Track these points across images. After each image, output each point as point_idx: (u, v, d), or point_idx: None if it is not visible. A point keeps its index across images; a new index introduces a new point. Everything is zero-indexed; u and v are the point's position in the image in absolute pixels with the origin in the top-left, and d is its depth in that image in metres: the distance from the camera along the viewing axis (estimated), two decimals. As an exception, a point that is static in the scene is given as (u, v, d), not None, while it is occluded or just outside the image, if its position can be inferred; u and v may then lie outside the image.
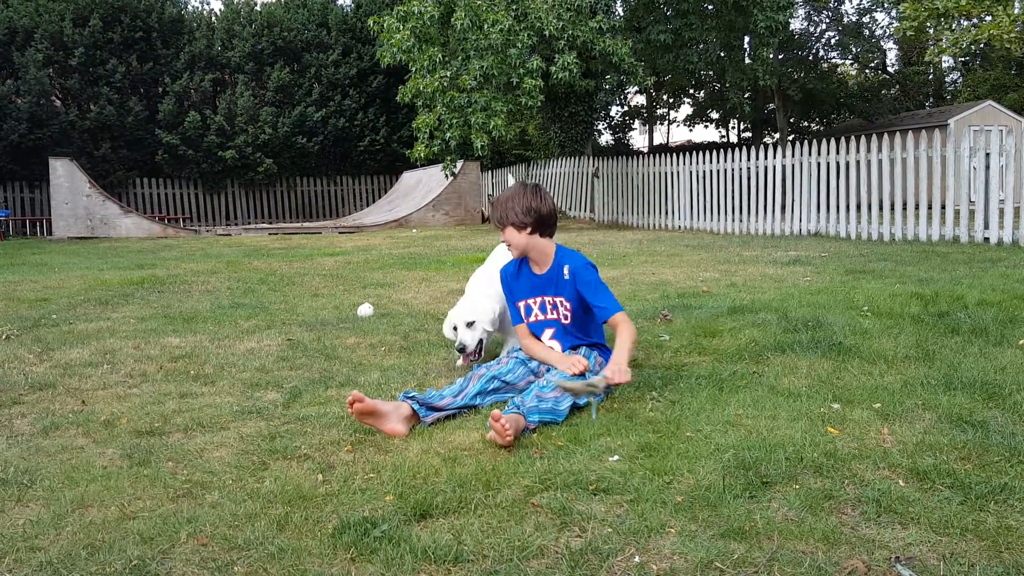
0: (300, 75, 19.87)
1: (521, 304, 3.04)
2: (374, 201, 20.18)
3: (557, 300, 2.98)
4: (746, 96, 18.20)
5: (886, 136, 9.53)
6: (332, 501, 1.93)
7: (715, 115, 32.93)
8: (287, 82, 19.49)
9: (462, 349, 3.17)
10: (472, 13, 11.13)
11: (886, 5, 23.79)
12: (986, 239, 8.36)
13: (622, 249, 8.77)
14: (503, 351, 3.36)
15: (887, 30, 28.84)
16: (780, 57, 23.27)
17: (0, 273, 7.74)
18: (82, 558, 1.67)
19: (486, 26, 11.14)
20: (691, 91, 31.75)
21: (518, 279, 3.06)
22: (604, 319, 2.91)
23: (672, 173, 12.45)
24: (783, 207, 10.70)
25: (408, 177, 18.37)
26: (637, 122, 36.02)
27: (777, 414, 2.46)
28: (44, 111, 17.20)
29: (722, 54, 16.73)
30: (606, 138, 33.89)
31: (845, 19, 26.94)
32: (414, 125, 12.58)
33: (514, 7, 11.56)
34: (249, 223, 19.30)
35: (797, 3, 23.54)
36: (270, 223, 19.12)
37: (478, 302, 3.26)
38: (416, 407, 2.53)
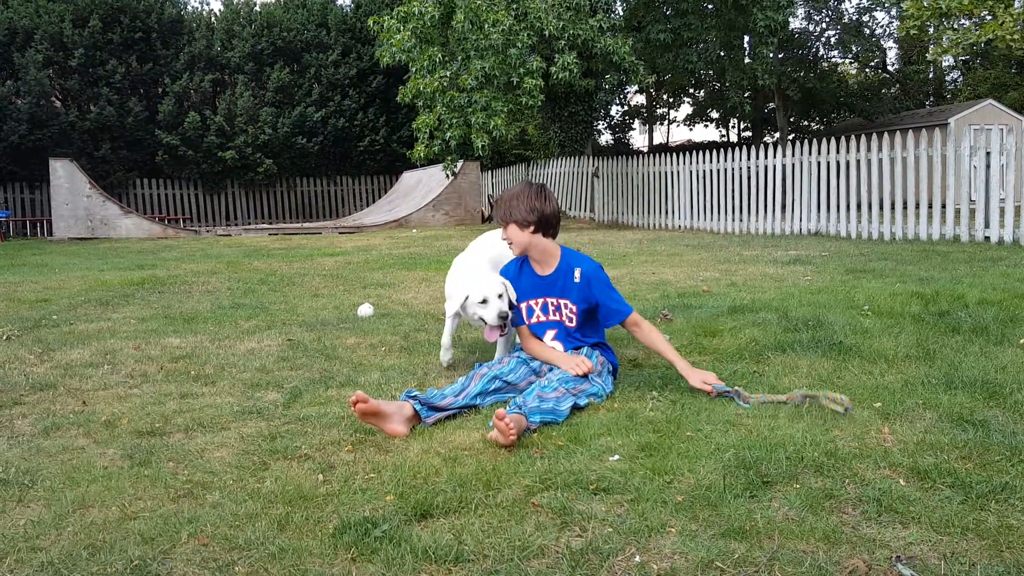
0: (300, 75, 19.87)
1: (523, 305, 3.03)
2: (374, 201, 20.18)
3: (561, 302, 2.97)
4: (746, 95, 18.21)
5: (886, 135, 9.53)
6: (333, 501, 1.93)
7: (715, 115, 32.93)
8: (287, 82, 19.49)
9: (505, 316, 2.94)
10: (472, 13, 11.13)
11: (886, 4, 23.78)
12: (986, 238, 8.35)
13: (622, 249, 8.77)
14: (498, 343, 3.32)
15: (887, 29, 28.86)
16: (780, 56, 23.26)
17: (1, 274, 7.74)
18: (83, 558, 1.67)
19: (486, 26, 11.14)
20: (691, 90, 31.75)
21: (520, 279, 3.04)
22: (621, 321, 2.94)
23: (672, 173, 12.45)
24: (783, 206, 10.70)
25: (408, 177, 18.38)
26: (637, 122, 36.04)
27: (777, 414, 2.46)
28: (44, 112, 17.20)
29: (722, 53, 16.75)
30: (606, 138, 33.91)
31: (845, 18, 26.93)
32: (414, 125, 12.59)
33: (514, 7, 11.56)
34: (249, 223, 19.30)
35: (797, 2, 23.54)
36: (270, 223, 19.12)
37: (491, 276, 3.10)
38: (418, 407, 2.53)
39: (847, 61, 30.32)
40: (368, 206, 19.89)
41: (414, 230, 14.03)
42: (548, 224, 2.95)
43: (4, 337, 4.22)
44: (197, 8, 27.36)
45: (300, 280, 6.67)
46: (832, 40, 27.38)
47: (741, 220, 11.22)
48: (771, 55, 16.27)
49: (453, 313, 3.24)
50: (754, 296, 4.78)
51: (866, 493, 1.86)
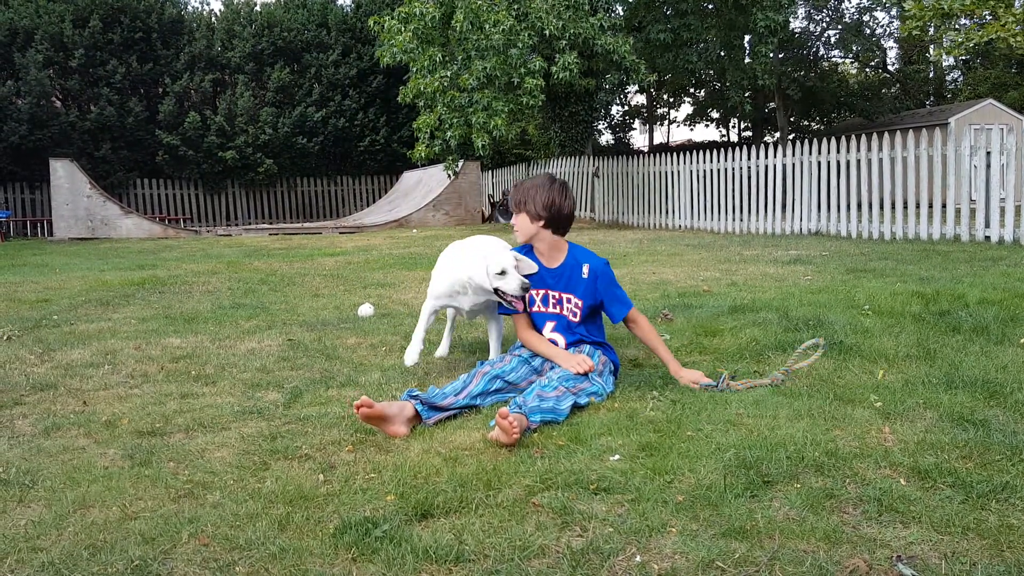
0: (300, 75, 19.87)
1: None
2: (374, 201, 20.18)
3: (565, 296, 2.96)
4: (746, 95, 18.20)
5: (886, 135, 9.53)
6: (333, 501, 1.93)
7: (715, 114, 32.93)
8: (287, 82, 19.49)
9: (528, 288, 2.89)
10: (473, 14, 11.13)
11: (887, 4, 23.77)
12: (987, 238, 8.35)
13: (623, 249, 8.77)
14: (491, 335, 3.28)
15: (887, 29, 28.85)
16: (781, 56, 23.25)
17: (1, 274, 7.74)
18: (84, 558, 1.67)
19: (487, 27, 11.14)
20: (691, 90, 31.74)
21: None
22: (623, 317, 2.98)
23: (672, 172, 12.45)
24: (784, 206, 10.70)
25: (408, 177, 18.38)
26: (637, 122, 36.04)
27: (778, 413, 2.46)
28: (44, 112, 17.20)
29: (722, 53, 16.74)
30: (606, 138, 33.90)
31: (846, 17, 26.92)
32: (415, 125, 12.59)
33: (515, 7, 11.56)
34: (249, 223, 19.30)
35: (798, 2, 23.53)
36: (270, 223, 19.13)
37: (504, 249, 3.05)
38: (419, 407, 2.53)
39: (847, 61, 30.32)
40: (368, 206, 19.90)
41: (414, 230, 14.03)
42: (559, 222, 2.95)
43: (5, 337, 4.22)
44: (197, 8, 27.37)
45: (300, 280, 6.67)
46: (832, 40, 27.38)
47: (741, 220, 11.22)
48: (771, 55, 16.24)
49: (430, 310, 3.19)
50: (754, 296, 4.77)
51: (867, 493, 1.86)
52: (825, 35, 27.41)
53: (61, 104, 18.39)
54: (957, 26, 14.27)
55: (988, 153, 8.58)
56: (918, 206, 9.10)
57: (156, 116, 18.62)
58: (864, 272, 5.89)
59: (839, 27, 26.61)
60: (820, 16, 27.06)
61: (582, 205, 15.38)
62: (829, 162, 10.10)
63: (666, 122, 39.03)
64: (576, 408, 2.60)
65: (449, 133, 11.74)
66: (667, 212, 12.62)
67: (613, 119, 33.69)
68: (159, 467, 2.21)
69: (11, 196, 17.83)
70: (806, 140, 10.69)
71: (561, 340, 2.97)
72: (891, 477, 1.95)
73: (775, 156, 10.75)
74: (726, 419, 2.42)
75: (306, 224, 17.07)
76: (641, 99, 34.27)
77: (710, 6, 15.88)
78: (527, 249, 3.03)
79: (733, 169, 11.40)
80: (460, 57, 11.59)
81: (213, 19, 20.71)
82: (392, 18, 12.25)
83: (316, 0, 20.60)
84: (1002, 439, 2.14)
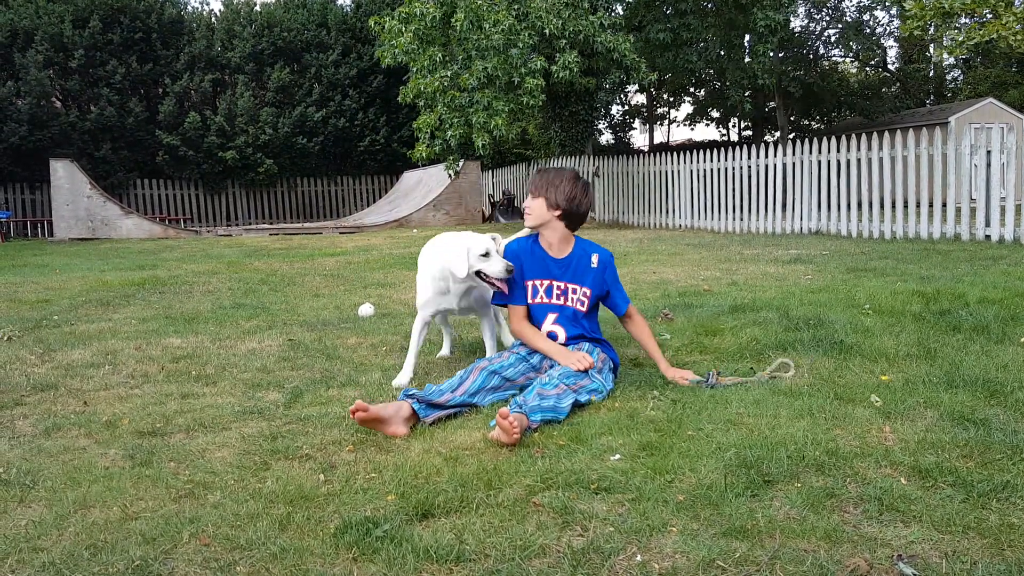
0: (300, 75, 19.87)
1: (529, 283, 2.99)
2: (375, 201, 20.18)
3: (571, 287, 2.97)
4: (746, 95, 18.18)
5: (887, 134, 9.53)
6: (334, 501, 1.93)
7: (716, 114, 32.91)
8: (287, 82, 19.49)
9: (512, 270, 2.93)
10: (473, 14, 11.13)
11: (887, 3, 23.75)
12: (987, 237, 8.35)
13: (623, 248, 8.77)
14: (484, 332, 3.29)
15: (888, 28, 28.82)
16: (781, 55, 23.24)
17: (2, 274, 7.75)
18: (84, 559, 1.67)
19: (487, 26, 11.14)
20: (691, 90, 31.73)
21: (532, 257, 3.00)
22: (624, 311, 3.05)
23: (673, 172, 12.45)
24: (784, 205, 10.69)
25: (408, 177, 18.38)
26: (637, 121, 36.02)
27: (779, 412, 2.46)
28: (45, 112, 17.21)
29: (722, 53, 16.72)
30: (606, 137, 33.88)
31: (846, 16, 26.90)
32: (415, 125, 12.58)
33: (515, 7, 11.55)
34: (250, 224, 19.30)
35: (797, 1, 23.51)
36: (271, 223, 19.13)
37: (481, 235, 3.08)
38: (416, 406, 2.52)
39: (847, 60, 30.31)
40: (369, 206, 19.90)
41: (415, 230, 14.03)
42: (574, 218, 2.98)
43: (5, 338, 4.22)
44: (197, 8, 27.37)
45: (301, 280, 6.67)
46: (832, 39, 27.37)
47: (742, 219, 11.22)
48: (771, 54, 16.22)
49: (422, 323, 3.18)
50: (755, 295, 4.77)
51: (867, 492, 1.86)
52: (825, 34, 27.41)
53: (61, 104, 18.39)
54: (957, 25, 14.26)
55: (988, 152, 8.58)
56: (918, 205, 9.09)
57: (156, 116, 18.63)
58: (864, 271, 5.89)
59: (839, 26, 26.60)
60: (820, 15, 27.04)
61: (582, 205, 15.35)
62: (829, 161, 10.10)
63: (666, 121, 39.04)
64: (576, 406, 2.60)
65: (450, 133, 11.74)
66: (667, 211, 12.62)
67: (613, 119, 33.69)
68: (160, 467, 2.21)
69: (11, 196, 17.83)
70: (806, 139, 10.68)
71: (562, 334, 2.95)
72: (892, 476, 1.95)
73: (775, 155, 10.75)
74: (727, 418, 2.42)
75: (306, 224, 17.07)
76: (641, 99, 34.29)
77: (710, 5, 15.86)
78: (533, 239, 3.03)
79: (733, 168, 11.40)
80: (460, 57, 11.58)
81: (213, 19, 20.70)
82: (392, 18, 12.24)
83: (316, 0, 20.60)
84: (1003, 438, 2.14)
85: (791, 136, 26.23)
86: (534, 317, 3.01)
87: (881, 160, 9.56)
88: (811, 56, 26.75)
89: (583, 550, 1.64)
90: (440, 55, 11.74)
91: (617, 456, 2.15)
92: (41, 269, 8.28)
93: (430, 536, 1.72)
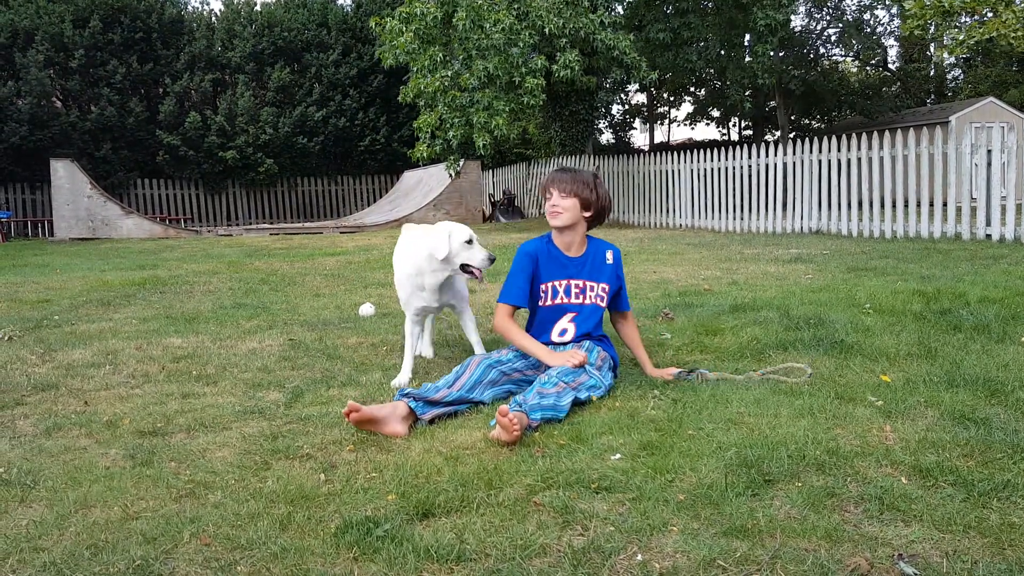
0: (300, 75, 19.87)
1: (546, 285, 2.99)
2: (375, 201, 20.18)
3: (589, 284, 3.00)
4: (747, 94, 18.17)
5: (887, 133, 9.52)
6: (334, 500, 1.93)
7: (716, 113, 32.89)
8: (287, 82, 19.49)
9: (493, 259, 3.03)
10: (474, 12, 11.13)
11: (887, 2, 23.73)
12: (988, 236, 8.35)
13: (624, 247, 8.76)
14: (467, 329, 3.30)
15: (888, 27, 28.81)
16: (781, 55, 23.23)
17: (2, 274, 7.75)
18: (85, 558, 1.67)
19: (487, 26, 11.13)
20: (692, 89, 31.71)
21: (548, 258, 3.00)
22: (628, 308, 3.14)
23: (673, 171, 12.44)
24: (784, 205, 10.69)
25: (409, 176, 18.38)
26: (638, 120, 36.00)
27: (779, 412, 2.46)
28: (45, 112, 17.21)
29: (722, 52, 16.71)
30: (607, 137, 33.86)
31: (846, 15, 26.88)
32: (415, 125, 12.58)
33: (515, 6, 11.55)
34: (250, 223, 19.31)
35: (798, 1, 23.49)
36: (271, 223, 19.13)
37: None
38: (412, 404, 2.51)
39: (848, 59, 30.29)
40: (369, 206, 19.90)
41: (415, 229, 14.00)
42: (599, 219, 3.06)
43: (6, 337, 4.22)
44: (197, 8, 27.37)
45: (301, 280, 6.67)
46: (833, 38, 27.35)
47: (742, 218, 11.21)
48: (771, 53, 16.19)
49: (411, 324, 3.16)
50: (755, 295, 4.77)
51: (868, 491, 1.86)
52: (825, 33, 27.39)
53: (62, 104, 18.39)
54: (958, 24, 14.25)
55: (989, 151, 8.57)
56: (919, 204, 9.09)
57: (156, 116, 18.63)
58: (865, 271, 5.89)
59: (840, 25, 26.58)
60: (821, 14, 27.02)
61: (583, 204, 15.34)
62: (830, 160, 10.09)
63: (666, 121, 39.02)
64: (576, 404, 2.60)
65: (451, 133, 11.74)
66: (668, 211, 12.62)
67: (614, 118, 33.66)
68: (160, 467, 2.21)
69: (12, 196, 17.84)
70: (807, 138, 10.68)
71: (572, 331, 2.96)
72: (892, 476, 1.95)
73: (776, 155, 10.74)
74: (727, 418, 2.42)
75: (307, 224, 17.07)
76: (641, 98, 34.27)
77: (710, 4, 15.85)
78: (547, 240, 3.04)
79: (734, 168, 11.39)
80: (461, 57, 11.58)
81: (213, 19, 20.70)
82: (393, 18, 12.24)
83: (316, 0, 20.59)
84: (1003, 437, 2.14)
85: (791, 135, 26.22)
86: (550, 317, 3.00)
87: (882, 159, 9.55)
88: (811, 55, 26.72)
89: (584, 549, 1.64)
90: (441, 55, 11.74)
91: (618, 455, 2.15)
92: (42, 269, 8.28)
93: (431, 536, 1.72)
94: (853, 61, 30.83)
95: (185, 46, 19.34)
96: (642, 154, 14.60)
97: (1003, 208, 8.36)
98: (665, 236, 10.45)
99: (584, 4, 12.24)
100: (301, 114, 19.20)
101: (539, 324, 3.02)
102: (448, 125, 11.77)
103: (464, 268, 3.04)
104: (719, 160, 11.60)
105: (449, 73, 11.64)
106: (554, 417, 2.47)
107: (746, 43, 17.64)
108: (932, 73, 30.43)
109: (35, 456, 2.34)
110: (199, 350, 3.81)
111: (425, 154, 12.34)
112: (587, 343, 2.94)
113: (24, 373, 3.42)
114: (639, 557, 1.61)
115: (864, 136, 9.75)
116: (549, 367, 2.75)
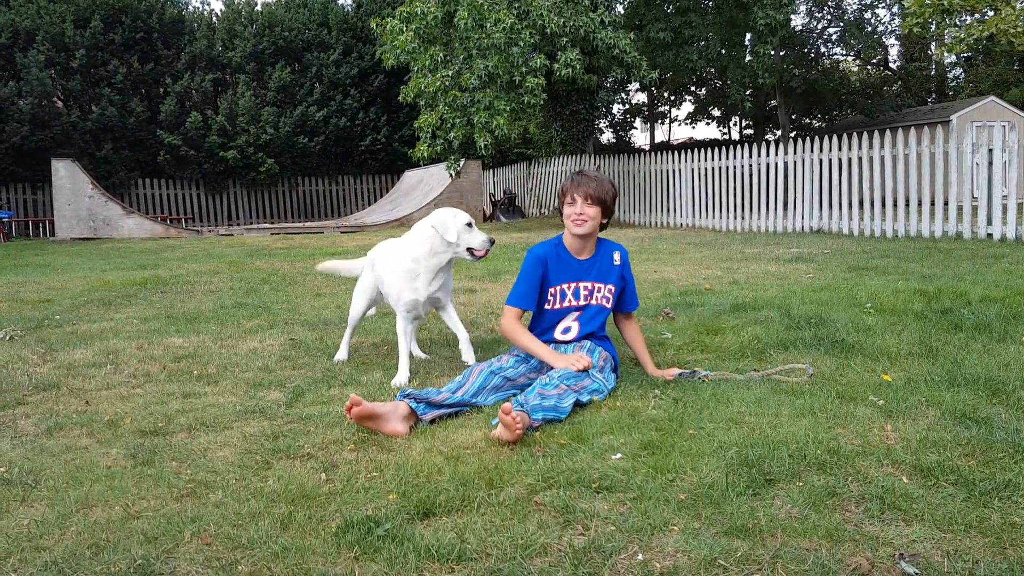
0: (301, 75, 19.87)
1: (556, 288, 3.01)
2: (376, 200, 20.18)
3: (597, 286, 3.02)
4: (747, 93, 18.15)
5: (888, 132, 9.52)
6: (335, 500, 1.93)
7: (717, 112, 32.87)
8: (288, 82, 19.49)
9: (493, 242, 3.22)
10: (475, 12, 11.12)
11: (888, 1, 23.70)
12: (989, 235, 8.34)
13: (624, 247, 8.76)
14: (452, 323, 3.32)
15: (889, 26, 28.78)
16: (782, 54, 23.21)
17: (3, 274, 7.75)
18: (87, 558, 1.68)
19: (488, 25, 11.13)
20: (692, 88, 31.69)
21: (558, 262, 3.02)
22: (634, 308, 3.15)
23: (674, 171, 12.44)
24: (785, 204, 10.69)
25: (409, 176, 18.38)
26: (638, 120, 35.98)
27: (780, 411, 2.46)
28: (46, 112, 17.22)
29: (723, 51, 16.70)
30: (607, 136, 33.85)
31: (847, 14, 26.85)
32: (416, 125, 12.58)
33: (516, 5, 11.54)
34: (251, 223, 19.31)
35: (799, 1, 23.47)
36: (272, 223, 19.13)
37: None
38: (414, 405, 2.51)
39: (849, 58, 30.26)
40: (370, 205, 19.89)
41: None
42: (607, 224, 3.10)
43: (7, 337, 4.23)
44: (198, 8, 27.40)
45: (302, 279, 6.67)
46: (833, 37, 27.32)
47: (743, 218, 11.21)
48: (772, 53, 16.18)
49: (403, 324, 3.20)
50: (756, 294, 4.77)
51: (869, 491, 1.86)
52: (826, 32, 27.36)
53: (63, 104, 18.40)
54: (958, 22, 14.24)
55: (990, 150, 8.57)
56: (920, 204, 9.08)
57: (157, 116, 18.63)
58: (866, 270, 5.88)
59: (840, 24, 26.55)
60: (821, 13, 27.00)
61: (583, 204, 15.32)
62: (831, 160, 10.09)
63: (667, 120, 38.99)
64: (578, 406, 2.60)
65: (452, 132, 11.73)
66: (668, 210, 12.62)
67: (614, 117, 33.65)
68: (161, 466, 2.21)
69: (13, 196, 17.85)
70: (808, 138, 10.68)
71: (575, 329, 2.97)
72: (893, 475, 1.95)
73: (776, 154, 10.74)
74: (728, 417, 2.42)
75: (307, 224, 17.07)
76: (642, 97, 34.24)
77: (710, 4, 15.83)
78: (557, 243, 3.06)
79: (734, 167, 11.39)
80: (461, 56, 11.57)
81: (214, 19, 20.70)
82: (394, 18, 12.23)
83: (317, 0, 20.59)
84: (1004, 437, 2.14)
85: (792, 135, 26.19)
86: (556, 318, 3.02)
87: (883, 158, 9.55)
88: (812, 55, 26.70)
89: (584, 549, 1.64)
90: (441, 54, 11.73)
91: (618, 455, 2.15)
92: (43, 269, 8.29)
93: (431, 535, 1.72)
94: (854, 60, 30.80)
95: (186, 46, 19.34)
96: (643, 153, 14.60)
97: (1004, 207, 8.35)
98: (666, 235, 10.44)
99: (584, 3, 12.24)
100: (302, 114, 19.20)
101: (544, 323, 3.03)
102: (449, 125, 11.76)
103: (469, 251, 3.20)
104: (720, 159, 11.59)
105: (450, 73, 11.63)
106: (555, 418, 2.48)
107: (747, 42, 17.62)
108: (933, 72, 30.40)
109: (36, 455, 2.35)
110: (200, 350, 3.81)
111: (426, 154, 12.33)
112: (588, 343, 2.94)
113: (25, 373, 3.42)
114: (640, 557, 1.61)
115: (865, 135, 9.75)
116: (551, 369, 2.75)
